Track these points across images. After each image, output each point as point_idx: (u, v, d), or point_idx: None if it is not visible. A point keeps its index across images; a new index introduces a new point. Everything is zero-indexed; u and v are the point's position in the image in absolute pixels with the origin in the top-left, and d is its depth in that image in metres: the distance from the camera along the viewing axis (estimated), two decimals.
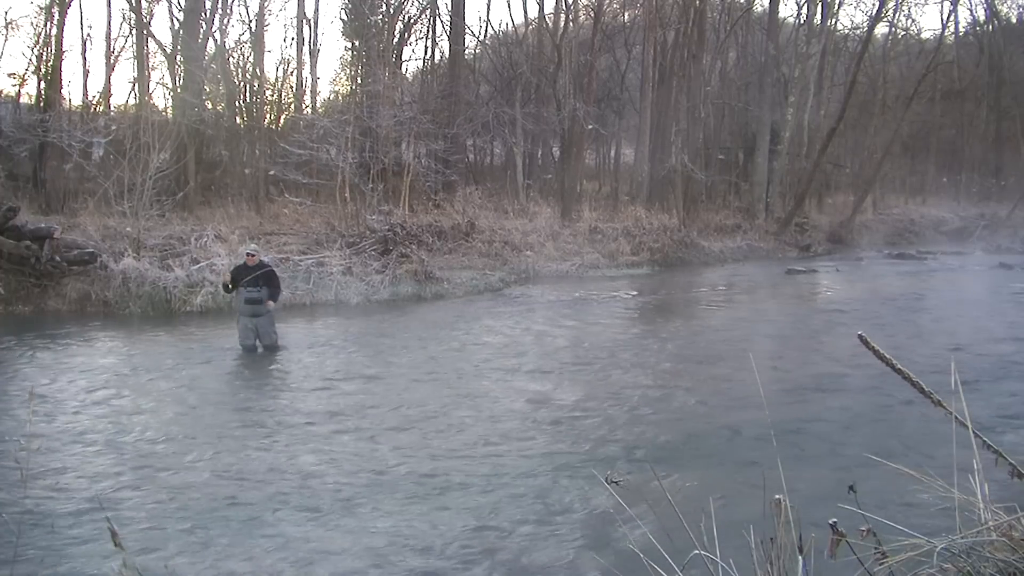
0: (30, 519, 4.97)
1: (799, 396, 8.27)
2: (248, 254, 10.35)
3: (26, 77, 20.19)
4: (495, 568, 4.53)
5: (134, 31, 21.39)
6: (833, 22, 32.60)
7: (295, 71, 24.43)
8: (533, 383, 8.85)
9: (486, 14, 44.81)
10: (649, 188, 27.47)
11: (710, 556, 1.92)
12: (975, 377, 8.83)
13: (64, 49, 20.10)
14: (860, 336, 2.09)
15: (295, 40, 24.91)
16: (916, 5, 62.18)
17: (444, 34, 28.32)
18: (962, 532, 1.86)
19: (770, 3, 30.70)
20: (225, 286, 10.22)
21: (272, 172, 20.79)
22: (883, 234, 31.21)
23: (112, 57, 22.17)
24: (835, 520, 1.86)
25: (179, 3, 22.04)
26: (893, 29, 36.45)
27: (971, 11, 69.82)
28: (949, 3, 45.01)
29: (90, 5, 68.97)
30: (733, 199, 30.88)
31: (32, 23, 27.02)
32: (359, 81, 23.95)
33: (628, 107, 34.20)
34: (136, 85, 21.77)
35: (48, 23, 19.63)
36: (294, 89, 24.53)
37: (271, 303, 10.02)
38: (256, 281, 9.91)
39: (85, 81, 39.63)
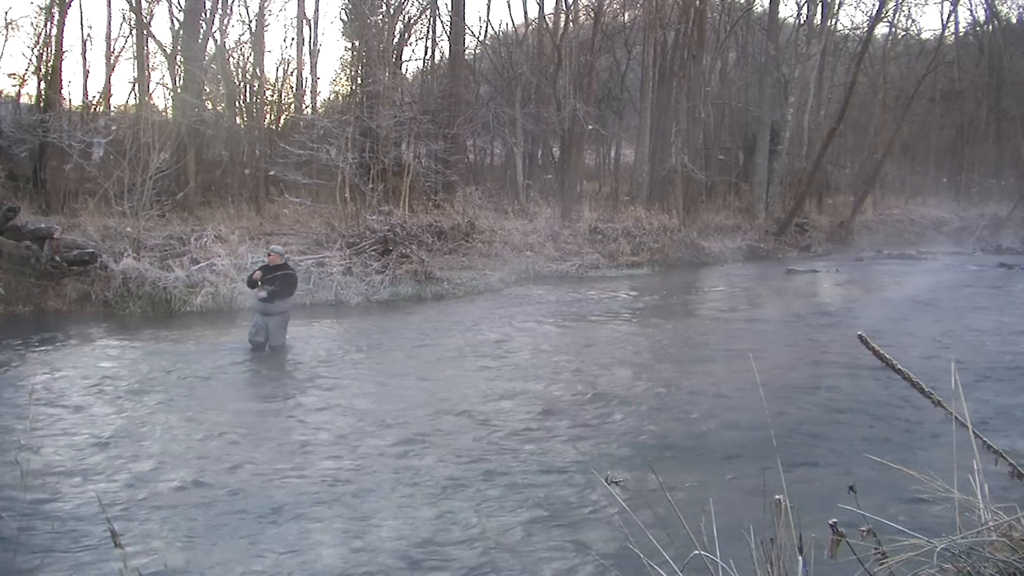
0: (30, 519, 4.97)
1: (799, 396, 8.27)
2: (269, 254, 10.40)
3: (26, 77, 20.22)
4: (493, 568, 4.52)
5: (134, 31, 21.39)
6: (833, 22, 32.67)
7: (295, 71, 24.45)
8: (532, 383, 8.85)
9: (486, 14, 45.00)
10: (649, 188, 27.48)
11: (710, 556, 1.92)
12: (975, 378, 8.83)
13: (64, 49, 20.12)
14: (860, 336, 2.09)
15: (295, 40, 24.93)
16: (916, 5, 62.35)
17: (444, 34, 28.37)
18: (962, 532, 1.86)
19: (770, 3, 30.73)
20: (252, 282, 10.13)
21: (272, 172, 20.80)
22: (883, 234, 31.24)
23: (112, 57, 22.19)
24: (835, 520, 1.86)
25: (179, 3, 22.07)
26: (893, 29, 36.53)
27: (971, 11, 70.02)
28: (949, 3, 45.07)
29: (90, 5, 69.03)
30: (733, 199, 30.91)
31: (32, 23, 27.05)
32: (359, 81, 23.95)
33: (628, 107, 34.22)
34: (136, 85, 21.81)
35: (48, 23, 19.64)
36: (294, 89, 24.55)
37: (263, 292, 9.84)
38: (273, 281, 9.95)
39: (85, 81, 39.63)
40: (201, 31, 22.03)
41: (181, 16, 21.82)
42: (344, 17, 25.27)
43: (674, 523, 2.11)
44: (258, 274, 10.10)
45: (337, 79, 30.83)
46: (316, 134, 20.96)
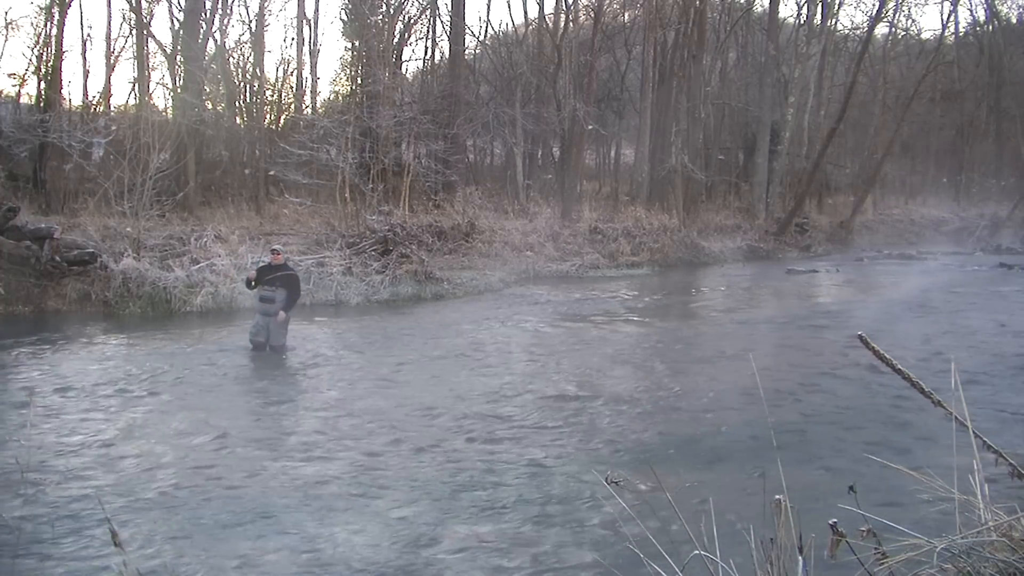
0: (30, 520, 4.97)
1: (799, 396, 8.27)
2: (273, 251, 10.45)
3: (26, 77, 20.20)
4: (494, 568, 4.52)
5: (134, 31, 21.39)
6: (833, 22, 32.67)
7: (295, 71, 24.46)
8: (532, 383, 8.85)
9: (486, 14, 45.04)
10: (649, 188, 27.48)
11: (710, 556, 1.92)
12: (976, 378, 8.82)
13: (64, 49, 20.10)
14: (860, 336, 2.09)
15: (295, 40, 24.93)
16: (916, 5, 62.39)
17: (444, 34, 28.36)
18: (962, 532, 1.86)
19: (770, 3, 30.74)
20: (248, 282, 10.30)
21: (272, 172, 20.79)
22: (883, 234, 31.24)
23: (112, 57, 22.17)
24: (835, 520, 1.86)
25: (179, 3, 22.06)
26: (893, 29, 36.53)
27: (971, 11, 70.06)
28: (949, 3, 45.10)
29: (90, 5, 69.08)
30: (733, 199, 30.91)
31: (32, 23, 27.04)
32: (359, 81, 23.95)
33: (628, 107, 34.22)
34: (136, 85, 21.80)
35: (48, 23, 19.63)
36: (294, 89, 24.55)
37: (282, 314, 9.99)
38: (273, 282, 9.96)
39: (85, 81, 39.60)
40: (201, 31, 22.03)
41: (181, 16, 21.82)
42: (344, 17, 25.29)
43: (674, 523, 2.11)
44: (252, 273, 10.21)
45: (337, 79, 30.85)
46: (316, 134, 20.96)
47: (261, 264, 10.82)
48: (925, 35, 41.14)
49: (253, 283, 10.13)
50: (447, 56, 27.89)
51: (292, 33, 29.66)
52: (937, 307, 14.86)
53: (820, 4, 30.88)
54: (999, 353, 10.48)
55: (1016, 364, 9.78)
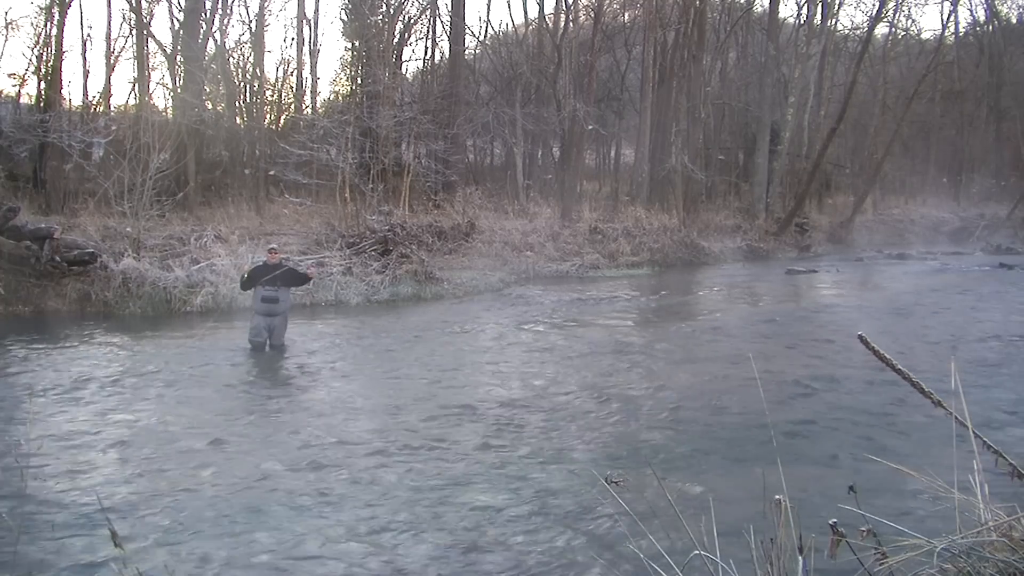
0: (30, 519, 4.97)
1: (799, 396, 8.27)
2: (269, 250, 10.57)
3: (26, 77, 20.24)
4: (494, 569, 4.52)
5: (134, 31, 21.41)
6: (833, 22, 32.66)
7: (295, 71, 24.49)
8: (533, 383, 8.85)
9: (486, 14, 45.13)
10: (649, 188, 27.48)
11: (710, 556, 1.92)
12: (977, 378, 8.82)
13: (64, 49, 20.14)
14: (860, 336, 2.10)
15: (295, 40, 24.99)
16: (916, 5, 62.43)
17: (444, 34, 28.40)
18: (962, 532, 1.86)
19: (770, 3, 30.76)
20: (242, 280, 10.28)
21: (272, 172, 20.81)
22: (883, 234, 31.21)
23: (112, 57, 22.20)
24: (835, 520, 1.86)
25: (179, 3, 22.10)
26: (893, 29, 36.52)
27: (971, 11, 70.14)
28: (949, 3, 45.11)
29: (90, 5, 69.14)
30: (733, 199, 30.90)
31: (32, 23, 27.08)
32: (359, 81, 23.98)
33: (628, 107, 34.22)
34: (136, 85, 21.82)
35: (48, 23, 19.66)
36: (294, 89, 24.59)
37: (313, 269, 11.12)
38: (274, 281, 9.93)
39: (85, 81, 39.78)
40: (201, 31, 22.06)
41: (181, 16, 21.85)
42: (344, 17, 25.33)
43: (674, 523, 2.11)
44: (246, 270, 10.43)
45: (337, 79, 30.88)
46: (316, 134, 20.97)
47: (256, 264, 10.80)
48: (925, 35, 41.22)
49: (246, 276, 10.17)
50: (447, 56, 27.93)
51: (292, 33, 29.76)
52: (936, 307, 14.84)
53: (820, 4, 30.89)
54: (998, 353, 10.47)
55: (1016, 364, 9.77)
